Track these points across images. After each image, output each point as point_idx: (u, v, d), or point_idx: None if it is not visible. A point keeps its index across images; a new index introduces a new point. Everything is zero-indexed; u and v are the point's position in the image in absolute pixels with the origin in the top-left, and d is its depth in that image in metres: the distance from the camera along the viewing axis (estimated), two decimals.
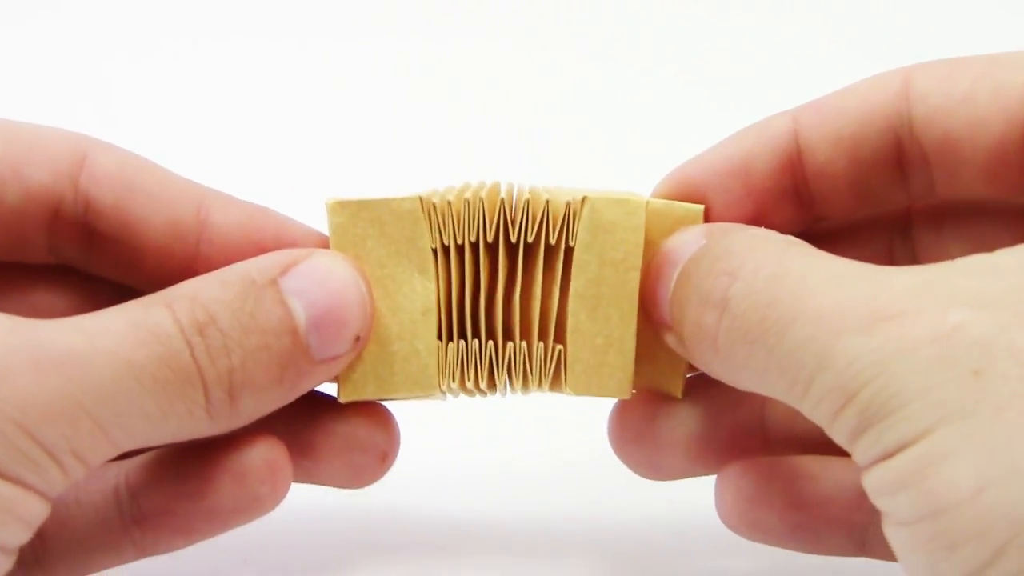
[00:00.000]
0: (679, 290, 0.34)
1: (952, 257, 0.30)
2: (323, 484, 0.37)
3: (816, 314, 0.30)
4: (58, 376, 0.30)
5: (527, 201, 0.36)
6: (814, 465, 0.37)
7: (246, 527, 0.36)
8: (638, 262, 0.36)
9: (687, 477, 0.38)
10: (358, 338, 0.34)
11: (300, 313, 0.33)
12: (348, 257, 0.35)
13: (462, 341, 0.36)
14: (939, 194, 0.36)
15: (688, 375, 0.38)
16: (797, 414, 0.31)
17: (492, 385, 0.37)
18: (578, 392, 0.36)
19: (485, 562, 0.40)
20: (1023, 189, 0.34)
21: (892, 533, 0.29)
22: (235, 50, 0.67)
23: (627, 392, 0.36)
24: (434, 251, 0.36)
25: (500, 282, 0.36)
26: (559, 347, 0.36)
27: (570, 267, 0.36)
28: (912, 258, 0.38)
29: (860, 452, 0.29)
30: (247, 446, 0.35)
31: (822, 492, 0.37)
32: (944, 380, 0.28)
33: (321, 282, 0.34)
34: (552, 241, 0.36)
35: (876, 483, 0.29)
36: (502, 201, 0.36)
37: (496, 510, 0.42)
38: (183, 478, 0.35)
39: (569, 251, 0.36)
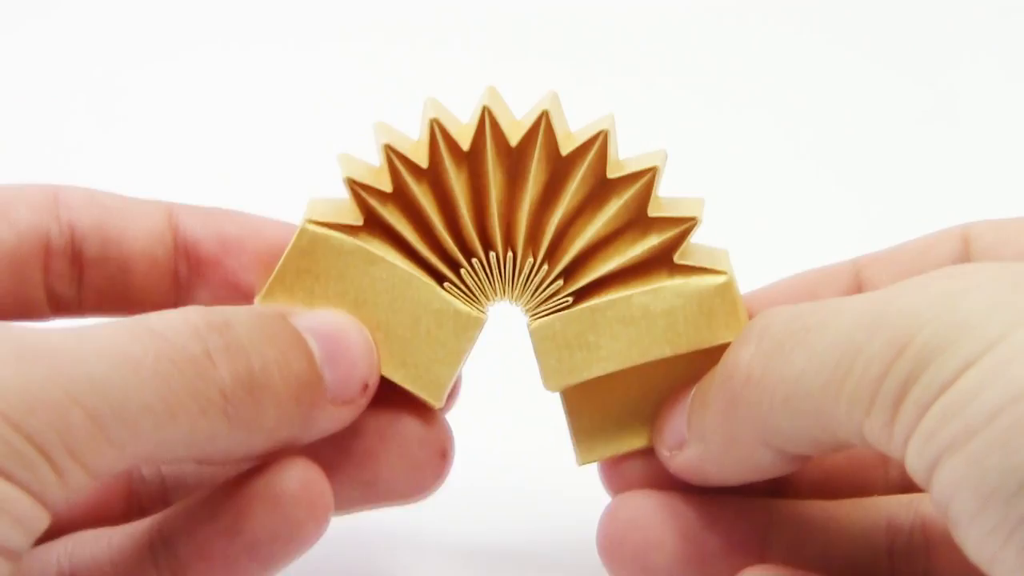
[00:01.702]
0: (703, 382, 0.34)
1: None
2: (385, 499, 0.36)
3: (867, 298, 0.29)
4: (43, 366, 0.28)
5: (545, 111, 0.34)
6: None
7: None
8: (678, 349, 0.35)
9: None
10: (366, 386, 0.34)
11: (313, 344, 0.33)
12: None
13: (473, 260, 0.35)
14: None
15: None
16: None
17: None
18: (535, 332, 0.35)
19: (486, 572, 0.40)
20: None
21: (947, 469, 0.26)
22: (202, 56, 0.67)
23: (553, 386, 0.35)
24: (375, 218, 0.35)
25: (528, 193, 0.35)
26: (569, 299, 0.35)
27: (654, 261, 0.35)
28: None
29: (912, 401, 0.27)
30: (279, 471, 0.33)
31: None
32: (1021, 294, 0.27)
33: (327, 323, 0.34)
34: (607, 172, 0.35)
35: (937, 417, 0.27)
36: (487, 111, 0.35)
37: (500, 522, 0.42)
38: (218, 515, 0.33)
39: (667, 257, 0.35)
